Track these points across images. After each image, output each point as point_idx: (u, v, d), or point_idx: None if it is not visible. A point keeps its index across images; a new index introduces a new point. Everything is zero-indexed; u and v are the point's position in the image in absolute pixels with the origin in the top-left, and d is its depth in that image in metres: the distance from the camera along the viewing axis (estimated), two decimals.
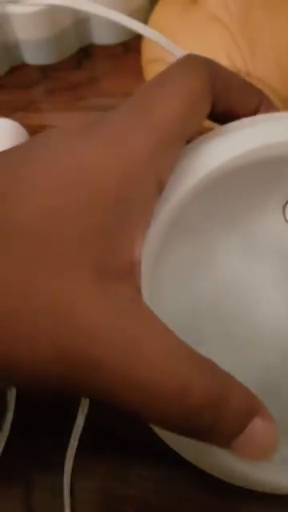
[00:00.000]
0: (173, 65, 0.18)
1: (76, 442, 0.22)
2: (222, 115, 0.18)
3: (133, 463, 0.22)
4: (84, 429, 0.22)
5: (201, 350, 0.15)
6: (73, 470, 0.22)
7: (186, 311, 0.21)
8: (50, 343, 0.13)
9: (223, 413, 0.15)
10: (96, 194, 0.15)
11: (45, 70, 0.34)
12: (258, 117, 0.18)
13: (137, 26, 0.27)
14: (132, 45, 0.34)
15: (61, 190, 0.14)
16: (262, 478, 0.17)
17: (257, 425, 0.15)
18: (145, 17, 0.32)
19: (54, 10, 0.31)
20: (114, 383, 0.14)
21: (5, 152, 0.16)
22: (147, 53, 0.31)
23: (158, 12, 0.31)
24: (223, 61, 0.27)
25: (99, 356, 0.14)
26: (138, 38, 0.33)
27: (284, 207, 0.21)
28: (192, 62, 0.17)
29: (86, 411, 0.23)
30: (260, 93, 0.19)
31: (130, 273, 0.15)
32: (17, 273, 0.14)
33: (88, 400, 0.23)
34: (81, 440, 0.22)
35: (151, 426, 0.18)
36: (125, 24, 0.28)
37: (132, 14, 0.32)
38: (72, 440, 0.22)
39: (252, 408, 0.15)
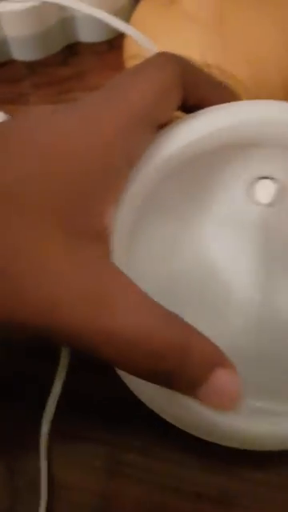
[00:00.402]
0: (147, 59, 0.20)
1: (54, 406, 0.24)
2: (193, 107, 0.20)
3: (110, 426, 0.24)
4: (62, 393, 0.24)
5: None
6: (50, 434, 0.23)
7: (163, 283, 0.23)
8: (20, 288, 0.15)
9: (185, 360, 0.16)
10: (68, 164, 0.16)
11: (32, 66, 0.36)
12: (221, 105, 0.20)
13: (118, 23, 0.29)
14: (116, 42, 0.36)
15: (36, 158, 0.16)
16: (228, 429, 0.19)
17: (220, 374, 0.17)
18: (127, 16, 0.34)
19: (40, 8, 0.33)
20: (81, 331, 0.15)
21: None
22: (128, 49, 0.32)
23: (139, 11, 0.33)
24: (197, 56, 0.29)
25: (65, 303, 0.15)
26: (121, 36, 0.35)
27: (250, 187, 0.22)
28: (164, 57, 0.19)
29: (63, 377, 0.24)
30: (226, 87, 0.21)
31: (99, 235, 0.17)
32: None
33: (66, 365, 0.24)
34: (58, 404, 0.24)
35: (121, 377, 0.20)
36: (107, 22, 0.29)
37: (116, 13, 0.34)
38: (49, 404, 0.24)
39: (214, 358, 0.17)
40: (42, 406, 0.24)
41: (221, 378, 0.17)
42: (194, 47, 0.29)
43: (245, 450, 0.22)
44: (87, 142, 0.17)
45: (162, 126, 0.20)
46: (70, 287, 0.15)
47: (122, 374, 0.20)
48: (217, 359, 0.17)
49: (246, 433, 0.19)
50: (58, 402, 0.24)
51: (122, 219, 0.19)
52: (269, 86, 0.29)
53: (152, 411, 0.23)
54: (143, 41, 0.29)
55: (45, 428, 0.23)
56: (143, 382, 0.18)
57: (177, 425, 0.20)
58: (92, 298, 0.16)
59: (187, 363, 0.16)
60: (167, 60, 0.19)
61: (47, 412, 0.24)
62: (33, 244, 0.15)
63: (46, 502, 0.22)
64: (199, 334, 0.17)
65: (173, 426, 0.23)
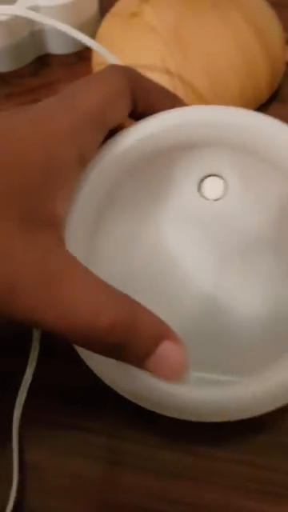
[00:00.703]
0: (98, 71, 0.22)
1: (25, 393, 0.25)
2: (143, 115, 0.22)
3: (78, 411, 0.25)
4: (34, 381, 0.25)
5: None
6: (22, 418, 0.25)
7: (122, 274, 0.24)
8: None
9: (133, 333, 0.18)
10: (22, 159, 0.18)
11: (4, 77, 0.37)
12: (170, 110, 0.22)
13: (81, 36, 0.31)
14: (84, 54, 0.38)
15: None
16: (178, 398, 0.20)
17: (166, 346, 0.18)
18: (94, 28, 0.36)
19: (11, 22, 0.34)
20: (35, 309, 0.17)
21: None
22: (96, 57, 0.34)
23: (105, 24, 0.35)
24: (158, 65, 0.31)
25: (20, 283, 0.17)
26: (89, 49, 0.37)
27: (199, 184, 0.24)
28: (113, 68, 0.22)
29: (34, 365, 0.25)
30: (174, 96, 0.24)
31: (51, 223, 0.18)
32: None
33: (36, 355, 0.26)
34: (30, 391, 0.25)
35: (81, 355, 0.21)
36: (72, 35, 0.31)
37: (83, 26, 0.36)
38: (21, 391, 0.25)
39: (160, 331, 0.18)
40: (14, 393, 0.25)
41: (167, 349, 0.18)
42: (156, 57, 0.31)
43: (202, 429, 0.23)
44: (39, 140, 0.18)
45: (114, 130, 0.22)
46: (25, 269, 0.17)
47: (81, 353, 0.21)
48: (163, 332, 0.19)
49: (193, 400, 0.20)
50: (30, 389, 0.25)
51: (78, 217, 0.20)
52: (227, 95, 0.32)
53: (117, 397, 0.24)
54: (104, 52, 0.31)
55: (17, 413, 0.25)
56: (100, 359, 0.20)
57: (131, 399, 0.21)
58: (45, 279, 0.17)
59: (135, 336, 0.18)
60: (116, 71, 0.21)
61: (19, 398, 0.25)
62: None
63: (17, 481, 0.23)
64: (146, 310, 0.18)
65: (136, 408, 0.24)
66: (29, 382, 0.25)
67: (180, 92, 0.31)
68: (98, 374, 0.22)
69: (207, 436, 0.24)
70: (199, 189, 0.24)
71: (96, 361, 0.21)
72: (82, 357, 0.22)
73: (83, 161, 0.20)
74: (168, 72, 0.31)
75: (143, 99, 0.22)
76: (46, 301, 0.17)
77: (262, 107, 0.34)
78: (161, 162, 0.24)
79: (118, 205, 0.24)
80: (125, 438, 0.24)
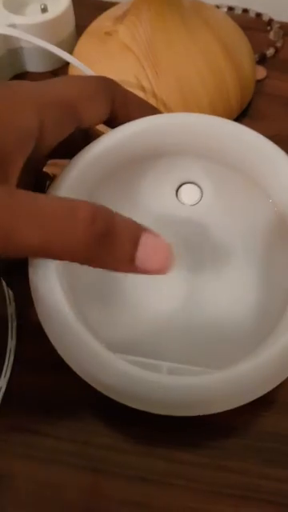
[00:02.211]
0: (82, 75, 0.23)
1: None
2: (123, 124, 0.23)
3: (50, 419, 0.25)
4: (6, 390, 0.25)
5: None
6: None
7: (97, 281, 0.25)
8: None
9: (111, 226, 0.18)
10: None
11: None
12: (146, 117, 0.23)
13: (62, 53, 0.32)
14: (61, 72, 0.39)
15: None
16: (154, 386, 0.20)
17: (148, 239, 0.19)
18: (71, 47, 0.37)
19: None
20: (6, 229, 0.17)
21: None
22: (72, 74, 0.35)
23: (81, 42, 0.36)
24: (132, 82, 0.32)
25: None
26: (65, 67, 0.38)
27: (176, 191, 0.25)
28: (95, 76, 0.23)
29: (7, 375, 0.26)
30: (153, 108, 0.24)
31: (6, 180, 0.18)
32: None
33: (10, 366, 0.26)
34: (4, 400, 0.25)
35: (57, 349, 0.22)
36: (53, 51, 0.32)
37: (60, 44, 0.37)
38: None
39: (138, 227, 0.19)
40: None
41: (150, 241, 0.19)
42: (130, 74, 0.32)
43: (176, 435, 0.24)
44: (7, 103, 0.19)
45: (94, 131, 0.23)
46: None
47: (55, 341, 0.22)
48: (142, 227, 0.19)
49: (169, 388, 0.20)
50: (4, 397, 0.25)
51: None
52: (198, 111, 0.33)
53: (88, 404, 0.25)
54: (83, 68, 0.32)
55: None
56: (73, 350, 0.21)
57: (106, 393, 0.22)
58: (12, 202, 0.17)
59: (115, 228, 0.18)
60: (97, 77, 0.23)
61: None
62: None
63: None
64: (120, 213, 0.19)
65: (109, 415, 0.24)
66: (3, 390, 0.25)
67: None
68: (70, 365, 0.22)
69: (181, 442, 0.24)
70: (176, 194, 0.25)
71: (69, 352, 0.21)
72: (55, 346, 0.22)
73: (43, 135, 0.20)
74: (142, 89, 0.32)
75: (122, 108, 0.23)
76: (18, 218, 0.17)
77: None
78: (138, 168, 0.25)
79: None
80: (98, 445, 0.24)
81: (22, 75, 0.39)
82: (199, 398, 0.20)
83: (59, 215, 0.17)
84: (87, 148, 0.23)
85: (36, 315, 0.22)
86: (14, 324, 0.27)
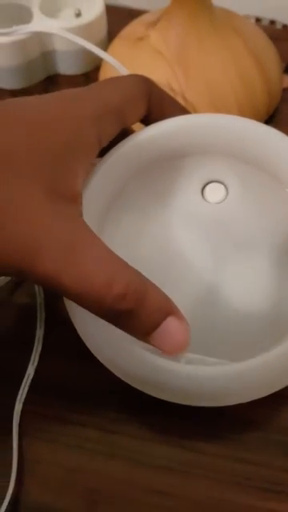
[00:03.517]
0: (123, 75, 0.25)
1: (26, 388, 0.26)
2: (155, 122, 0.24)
3: (76, 406, 0.26)
4: (34, 377, 0.26)
5: None
6: (22, 413, 0.25)
7: (127, 260, 0.25)
8: (7, 232, 0.18)
9: (141, 303, 0.19)
10: (52, 137, 0.20)
11: (15, 94, 0.39)
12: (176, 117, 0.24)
13: (101, 53, 0.33)
14: (92, 75, 0.40)
15: (24, 131, 0.20)
16: (172, 374, 0.21)
17: (171, 322, 0.19)
18: (103, 50, 0.38)
19: (25, 41, 0.37)
20: (54, 274, 0.18)
21: None
22: (103, 77, 0.36)
23: (113, 47, 0.37)
24: (163, 85, 0.33)
25: (43, 248, 0.18)
26: (96, 70, 0.39)
27: (202, 189, 0.26)
28: (136, 75, 0.24)
29: (35, 363, 0.26)
30: (183, 109, 0.25)
31: (73, 198, 0.20)
32: None
33: (39, 350, 0.27)
34: (31, 386, 0.26)
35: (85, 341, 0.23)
36: (93, 51, 0.33)
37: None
38: (22, 386, 0.26)
39: (167, 307, 0.20)
40: (16, 389, 0.26)
41: (171, 325, 0.19)
42: (161, 78, 0.33)
43: (195, 425, 0.24)
44: (67, 121, 0.20)
45: (129, 129, 0.24)
46: (49, 234, 0.18)
47: (80, 330, 0.23)
48: (170, 308, 0.20)
49: (188, 378, 0.21)
50: (31, 384, 0.26)
51: (90, 203, 0.22)
52: (225, 112, 0.33)
53: (113, 393, 0.25)
54: (118, 67, 0.33)
55: (18, 407, 0.25)
56: (96, 338, 0.22)
57: (128, 381, 0.22)
58: (66, 244, 0.18)
59: (144, 307, 0.19)
60: (138, 78, 0.24)
61: (20, 394, 0.26)
62: (20, 200, 0.18)
63: (15, 475, 0.24)
64: (155, 286, 0.20)
65: (134, 404, 0.25)
66: (31, 377, 0.26)
67: None
68: (95, 354, 0.23)
69: (200, 432, 0.25)
70: (202, 192, 0.26)
71: (92, 339, 0.22)
72: (80, 334, 0.23)
73: (100, 145, 0.22)
74: (172, 92, 0.33)
75: (157, 107, 0.24)
76: (65, 265, 0.18)
77: None
78: (166, 166, 0.25)
79: (126, 199, 0.26)
80: (122, 433, 0.25)
81: (55, 77, 0.40)
82: (217, 388, 0.21)
83: (97, 282, 0.18)
84: (118, 146, 0.24)
85: (63, 306, 0.23)
86: (43, 314, 0.28)
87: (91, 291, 0.18)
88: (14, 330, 0.28)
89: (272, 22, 0.45)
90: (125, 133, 0.24)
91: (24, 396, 0.26)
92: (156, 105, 0.24)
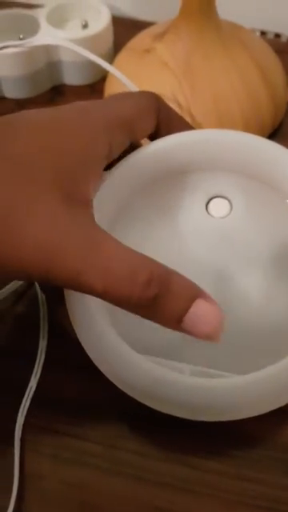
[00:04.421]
0: (132, 91, 0.26)
1: (28, 401, 0.25)
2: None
3: (78, 420, 0.25)
4: (36, 390, 0.26)
5: None
6: (24, 426, 0.25)
7: None
8: (22, 234, 0.18)
9: (167, 288, 0.19)
10: (65, 144, 0.21)
11: (21, 103, 0.39)
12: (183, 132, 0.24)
13: (106, 65, 0.34)
14: (97, 86, 0.40)
15: (40, 138, 0.20)
16: (178, 386, 0.20)
17: (201, 304, 0.19)
18: (109, 61, 0.38)
19: (31, 52, 0.37)
20: (78, 271, 0.18)
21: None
22: (108, 88, 0.36)
23: (120, 58, 0.37)
24: (169, 97, 0.33)
25: (61, 249, 0.18)
26: (102, 81, 0.39)
27: (207, 204, 0.26)
28: (146, 92, 0.25)
29: (38, 375, 0.26)
30: (190, 126, 0.26)
31: (87, 203, 0.21)
32: (4, 189, 0.19)
33: (41, 366, 0.26)
34: (33, 399, 0.26)
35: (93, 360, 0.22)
36: (98, 63, 0.34)
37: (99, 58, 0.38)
38: (25, 399, 0.26)
39: (194, 290, 0.19)
40: (18, 402, 0.26)
41: (202, 307, 0.19)
42: (167, 90, 0.33)
43: (197, 441, 0.24)
44: (81, 130, 0.21)
45: (137, 143, 0.24)
46: (69, 237, 0.19)
47: (86, 346, 0.22)
48: (197, 291, 0.19)
49: (192, 388, 0.20)
50: (33, 397, 0.26)
51: (97, 221, 0.22)
52: (231, 124, 0.33)
53: (115, 408, 0.25)
54: (125, 81, 0.33)
55: (20, 421, 0.25)
56: (100, 350, 0.21)
57: (132, 394, 0.22)
58: (86, 245, 0.19)
59: (170, 291, 0.19)
60: (147, 94, 0.24)
61: (22, 406, 0.25)
62: (37, 204, 0.19)
63: (17, 489, 0.24)
64: (179, 273, 0.19)
65: (136, 419, 0.25)
66: (33, 389, 0.26)
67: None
68: (99, 366, 0.22)
69: (205, 449, 0.24)
70: (206, 207, 0.26)
71: (98, 353, 0.22)
72: (83, 344, 0.22)
73: (110, 155, 0.22)
74: (178, 105, 0.33)
75: (165, 123, 0.24)
76: (88, 263, 0.18)
77: None
78: (171, 181, 0.26)
79: (131, 213, 0.26)
80: (124, 449, 0.25)
81: (60, 87, 0.40)
82: (223, 401, 0.21)
83: (122, 274, 0.18)
84: (125, 159, 0.24)
85: (67, 318, 0.23)
86: (46, 325, 0.28)
87: (117, 284, 0.18)
88: (17, 340, 0.28)
89: (277, 36, 0.45)
90: (133, 147, 0.25)
91: (26, 409, 0.25)
92: (164, 121, 0.24)
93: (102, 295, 0.19)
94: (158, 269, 0.19)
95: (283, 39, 0.44)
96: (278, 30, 0.44)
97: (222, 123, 0.33)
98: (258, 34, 0.44)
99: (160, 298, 0.19)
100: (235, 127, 0.33)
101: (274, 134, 0.37)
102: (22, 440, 0.25)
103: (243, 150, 0.24)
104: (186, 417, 0.22)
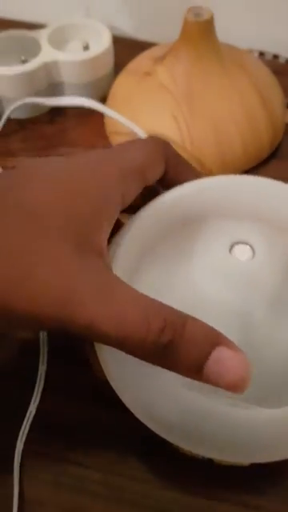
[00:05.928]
0: (141, 138, 0.27)
1: (28, 427, 0.25)
2: (171, 181, 0.25)
3: (79, 446, 0.25)
4: (36, 415, 0.26)
5: None
6: (23, 452, 0.25)
7: None
8: (39, 285, 0.18)
9: (180, 333, 0.18)
10: (79, 196, 0.21)
11: (23, 123, 0.40)
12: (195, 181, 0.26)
13: (101, 108, 0.35)
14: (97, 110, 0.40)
15: (53, 191, 0.21)
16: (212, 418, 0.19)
17: (223, 352, 0.18)
18: (109, 83, 0.39)
19: (32, 73, 0.37)
20: (93, 320, 0.18)
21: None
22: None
23: (120, 80, 0.37)
24: (168, 120, 0.33)
25: (73, 299, 0.18)
26: (102, 102, 0.39)
27: (230, 250, 0.26)
28: (155, 138, 0.25)
29: (37, 401, 0.26)
30: (196, 170, 0.27)
31: (100, 252, 0.21)
32: (16, 238, 0.19)
33: (41, 390, 0.26)
34: (32, 425, 0.26)
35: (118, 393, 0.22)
36: (94, 108, 0.34)
37: (99, 80, 0.39)
38: (24, 425, 0.25)
39: (212, 336, 0.18)
40: (17, 427, 0.26)
41: (225, 355, 0.17)
42: (167, 113, 0.34)
43: (199, 468, 0.24)
44: (94, 181, 0.21)
45: (148, 188, 0.25)
46: (83, 286, 0.19)
47: (108, 373, 0.22)
48: (216, 337, 0.18)
49: (226, 419, 0.19)
50: (33, 423, 0.26)
51: (122, 266, 0.23)
52: (231, 152, 0.34)
53: (115, 433, 0.25)
54: (134, 128, 0.33)
55: (19, 447, 0.25)
56: (122, 379, 0.21)
57: (161, 432, 0.21)
58: (100, 294, 0.19)
59: (185, 335, 0.18)
60: (156, 140, 0.25)
61: (22, 432, 0.25)
62: (50, 254, 0.19)
63: None
64: (195, 318, 0.19)
65: (135, 446, 0.25)
66: (32, 415, 0.26)
67: (188, 146, 0.33)
68: (123, 398, 0.22)
69: (204, 476, 0.24)
70: (230, 251, 0.26)
71: (119, 379, 0.21)
72: (108, 376, 0.22)
73: (124, 203, 0.23)
74: (178, 128, 0.33)
75: (173, 168, 0.25)
76: (101, 312, 0.18)
77: (263, 163, 0.36)
78: (190, 228, 0.26)
79: (154, 258, 0.26)
80: (124, 476, 0.25)
81: (61, 108, 0.40)
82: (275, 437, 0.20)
83: (135, 320, 0.18)
84: (144, 209, 0.25)
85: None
86: (46, 350, 0.28)
87: (130, 332, 0.18)
88: (17, 365, 0.28)
89: (275, 57, 0.45)
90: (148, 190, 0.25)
91: (25, 435, 0.25)
92: (172, 166, 0.25)
93: (117, 344, 0.19)
94: (172, 315, 0.18)
95: (281, 60, 0.45)
96: (276, 50, 0.45)
97: (221, 145, 0.33)
98: (256, 54, 0.45)
99: (175, 345, 0.18)
100: (234, 149, 0.33)
101: (272, 156, 0.37)
102: (22, 466, 0.25)
103: (258, 195, 0.25)
104: (239, 460, 0.21)
